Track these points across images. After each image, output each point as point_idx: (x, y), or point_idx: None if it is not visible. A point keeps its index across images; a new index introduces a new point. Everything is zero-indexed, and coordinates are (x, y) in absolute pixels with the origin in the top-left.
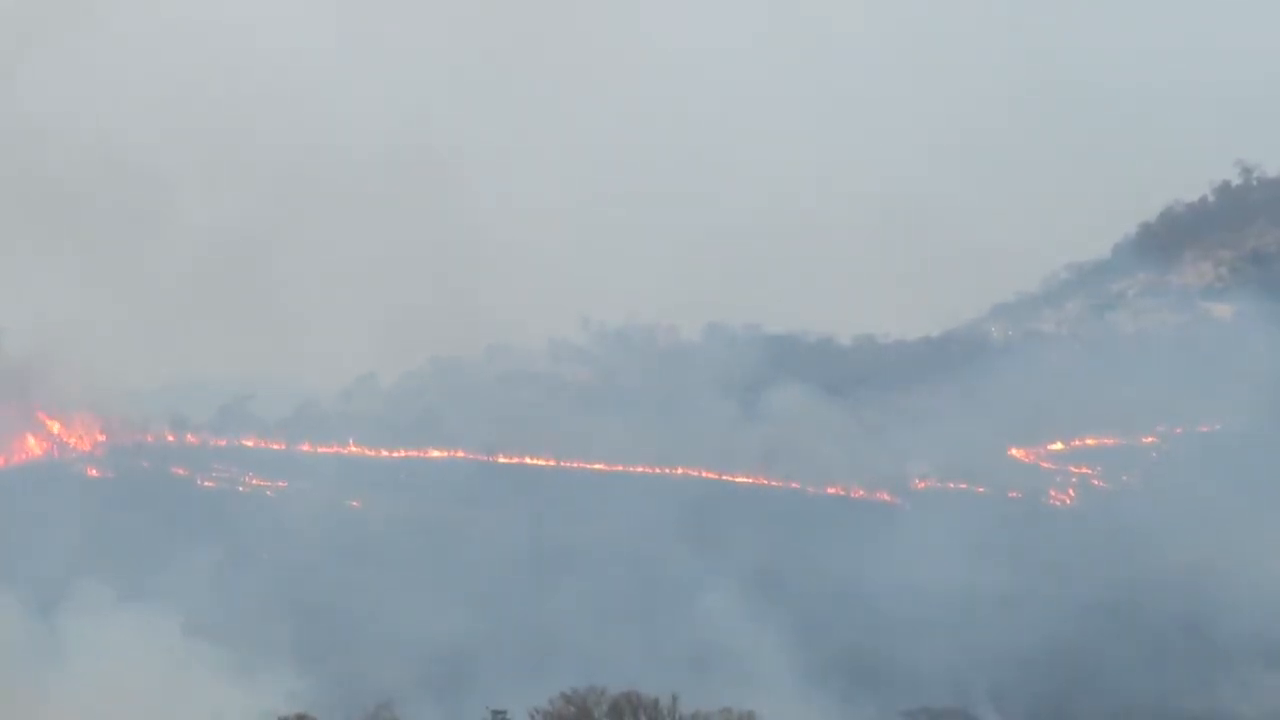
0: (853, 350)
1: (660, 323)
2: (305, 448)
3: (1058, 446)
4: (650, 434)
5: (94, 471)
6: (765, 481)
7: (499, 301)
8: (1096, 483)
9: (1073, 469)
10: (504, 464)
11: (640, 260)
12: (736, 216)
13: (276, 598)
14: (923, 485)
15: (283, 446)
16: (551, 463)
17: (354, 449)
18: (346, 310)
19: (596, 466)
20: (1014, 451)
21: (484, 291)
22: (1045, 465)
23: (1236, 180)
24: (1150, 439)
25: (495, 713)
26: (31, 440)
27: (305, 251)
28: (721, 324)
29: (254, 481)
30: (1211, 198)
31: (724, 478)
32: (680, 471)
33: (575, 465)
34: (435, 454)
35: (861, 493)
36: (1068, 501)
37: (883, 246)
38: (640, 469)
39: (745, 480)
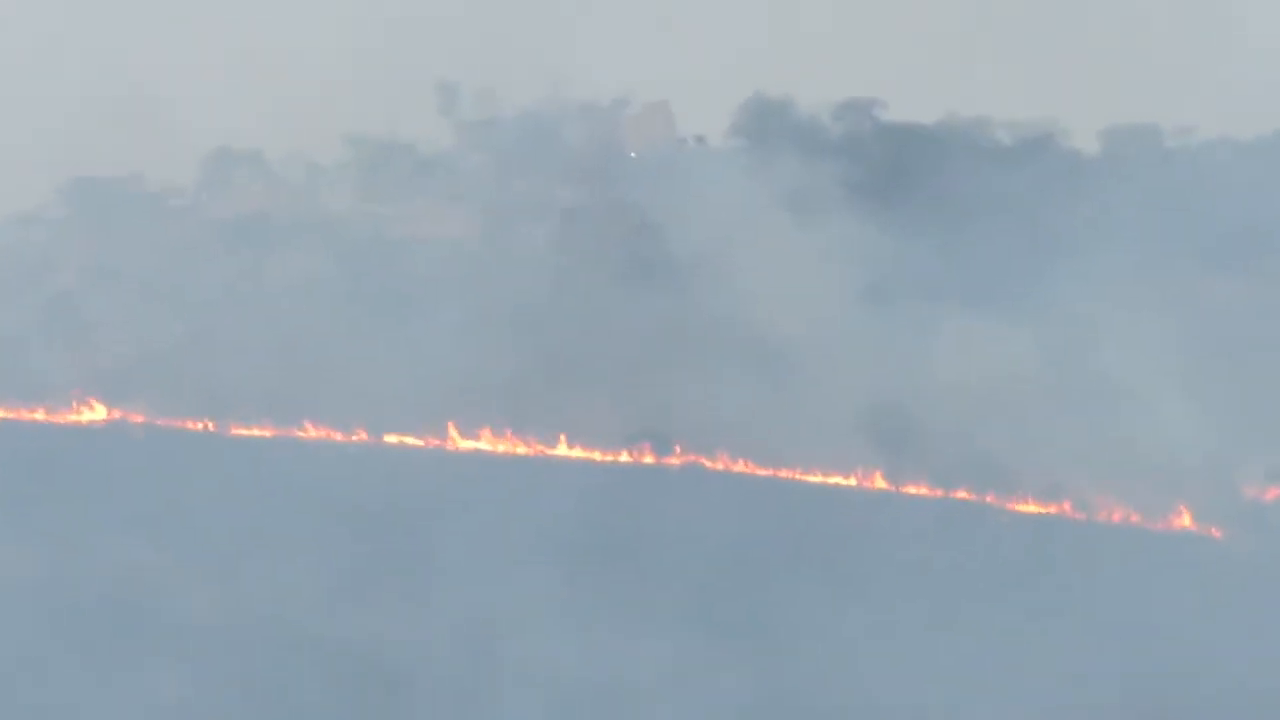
0: (1081, 154)
1: (646, 99)
2: None
3: None
4: (609, 397)
5: None
6: (914, 490)
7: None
8: None
9: None
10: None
11: None
12: None
13: None
14: (1273, 495)
15: None
16: (288, 433)
17: None
18: None
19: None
20: None
21: None
22: None
23: None
24: None
25: None
26: None
27: None
28: (787, 101)
29: None
30: None
31: (826, 480)
32: (691, 460)
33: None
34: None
35: (1119, 514)
36: None
37: None
38: (541, 452)
39: (863, 487)
